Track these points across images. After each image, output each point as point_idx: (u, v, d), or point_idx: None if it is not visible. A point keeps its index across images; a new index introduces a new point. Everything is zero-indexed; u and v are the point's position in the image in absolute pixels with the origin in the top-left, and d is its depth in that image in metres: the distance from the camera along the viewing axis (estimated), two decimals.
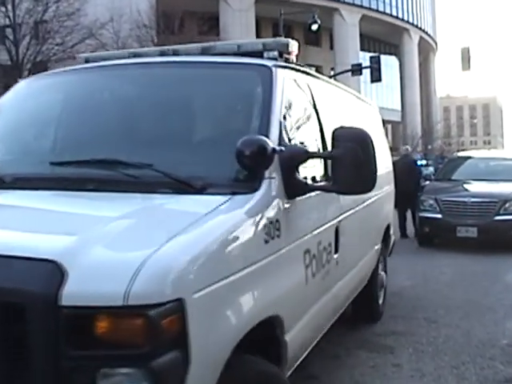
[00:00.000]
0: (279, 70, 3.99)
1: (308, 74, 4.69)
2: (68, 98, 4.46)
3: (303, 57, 49.18)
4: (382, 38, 64.80)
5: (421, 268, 10.19)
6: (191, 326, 2.48)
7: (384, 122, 8.23)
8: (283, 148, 3.39)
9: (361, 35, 56.76)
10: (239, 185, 3.25)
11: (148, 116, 4.09)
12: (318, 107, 4.51)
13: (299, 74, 4.44)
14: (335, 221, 4.45)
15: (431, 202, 12.74)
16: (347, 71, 33.96)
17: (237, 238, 2.96)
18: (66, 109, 4.39)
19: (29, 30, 27.57)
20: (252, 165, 3.20)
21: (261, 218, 3.20)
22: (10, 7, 27.24)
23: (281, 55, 4.30)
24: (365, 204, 5.58)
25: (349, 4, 55.39)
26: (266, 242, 3.20)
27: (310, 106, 4.44)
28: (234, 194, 3.16)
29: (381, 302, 6.97)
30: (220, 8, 45.85)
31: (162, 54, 4.69)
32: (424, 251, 12.36)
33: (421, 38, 68.23)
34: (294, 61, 4.46)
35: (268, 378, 3.09)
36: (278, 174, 3.43)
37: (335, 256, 4.42)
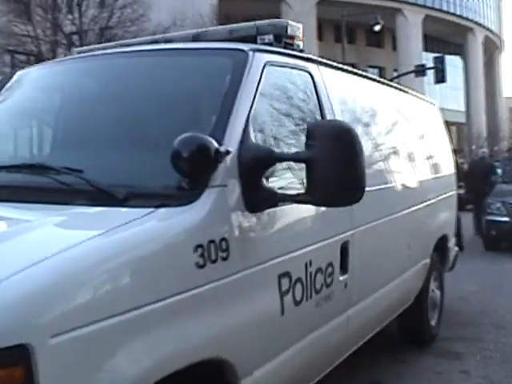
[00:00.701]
0: (258, 55, 3.31)
1: (312, 60, 3.93)
2: (16, 96, 4.03)
3: (366, 58, 48.86)
4: (446, 38, 63.74)
5: (487, 272, 10.01)
6: (44, 381, 1.90)
7: (448, 124, 7.99)
8: (230, 149, 2.76)
9: (424, 35, 55.99)
10: (171, 195, 2.65)
11: (91, 113, 3.53)
12: (323, 101, 3.80)
13: (297, 60, 3.72)
14: (341, 236, 3.73)
15: (498, 205, 12.51)
16: (410, 72, 33.54)
17: (143, 262, 2.35)
18: (12, 107, 3.95)
19: (94, 36, 28.08)
20: (190, 170, 2.60)
21: (192, 237, 2.55)
22: (76, 15, 27.88)
23: (279, 40, 3.70)
24: (400, 214, 4.86)
25: (411, 4, 54.67)
26: (201, 266, 2.54)
27: (309, 99, 3.76)
28: (160, 206, 2.56)
29: (434, 322, 6.16)
30: (282, 11, 45.88)
31: (154, 42, 4.16)
32: (491, 255, 12.12)
33: (486, 36, 66.85)
34: (301, 46, 3.84)
35: None
36: (236, 182, 2.82)
37: (341, 278, 3.71)
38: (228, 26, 4.00)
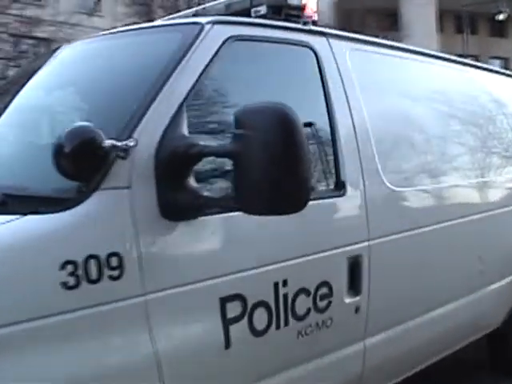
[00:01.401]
0: (218, 29, 2.72)
1: (318, 33, 3.23)
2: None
3: (488, 49, 47.31)
4: None
5: None
6: None
7: None
8: (131, 143, 2.21)
9: None
10: (50, 199, 2.18)
11: (28, 103, 3.16)
12: (330, 87, 3.12)
13: (289, 33, 3.06)
14: (347, 249, 3.03)
15: None
16: None
17: None
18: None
19: None
20: (72, 169, 2.11)
21: (55, 251, 2.07)
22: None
23: (278, 12, 3.14)
24: (464, 220, 3.95)
25: None
26: (70, 287, 2.04)
27: (306, 84, 3.14)
28: (30, 212, 2.09)
29: None
30: (400, 3, 45.19)
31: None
32: None
33: None
34: (314, 18, 3.23)
35: None
36: (148, 182, 2.29)
37: (349, 300, 3.03)
38: (226, 0, 3.44)
